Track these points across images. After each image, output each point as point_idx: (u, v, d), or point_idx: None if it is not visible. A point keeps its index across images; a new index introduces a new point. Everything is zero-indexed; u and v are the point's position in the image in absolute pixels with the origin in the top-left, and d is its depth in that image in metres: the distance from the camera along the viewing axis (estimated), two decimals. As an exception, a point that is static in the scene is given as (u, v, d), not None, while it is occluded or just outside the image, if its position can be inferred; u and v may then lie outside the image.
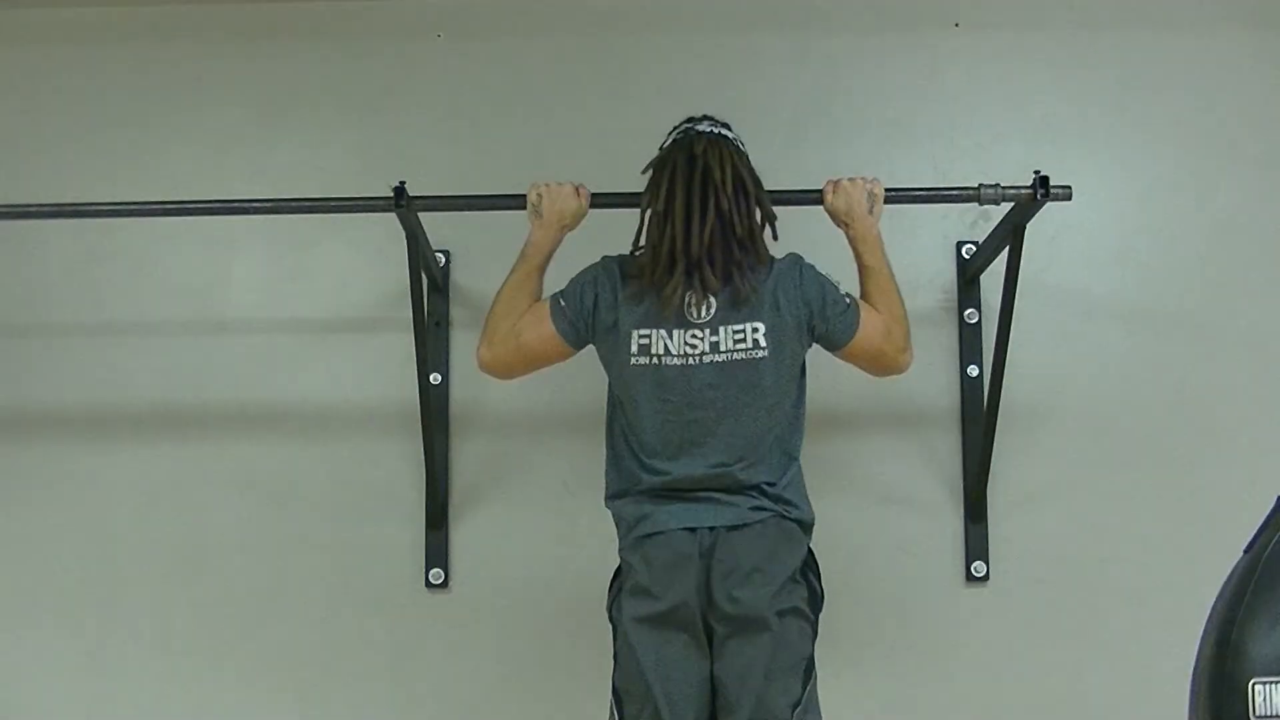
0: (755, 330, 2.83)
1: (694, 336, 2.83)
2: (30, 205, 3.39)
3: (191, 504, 3.65)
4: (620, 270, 2.92)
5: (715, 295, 2.83)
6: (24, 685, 3.62)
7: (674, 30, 3.77)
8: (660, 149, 2.93)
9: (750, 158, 2.92)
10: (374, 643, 3.61)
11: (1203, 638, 2.40)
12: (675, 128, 2.95)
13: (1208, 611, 2.42)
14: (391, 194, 3.12)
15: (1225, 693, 2.31)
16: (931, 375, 3.62)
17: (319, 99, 3.76)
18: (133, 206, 3.42)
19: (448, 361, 3.65)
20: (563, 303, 2.94)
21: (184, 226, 3.66)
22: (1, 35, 3.79)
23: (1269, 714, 2.29)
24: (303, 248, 3.71)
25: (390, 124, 3.75)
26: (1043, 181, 3.11)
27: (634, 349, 2.84)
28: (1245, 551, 2.40)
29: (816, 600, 2.92)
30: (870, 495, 3.61)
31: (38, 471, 3.67)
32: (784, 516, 2.86)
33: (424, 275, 3.39)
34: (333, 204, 3.38)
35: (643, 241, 2.92)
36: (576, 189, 3.06)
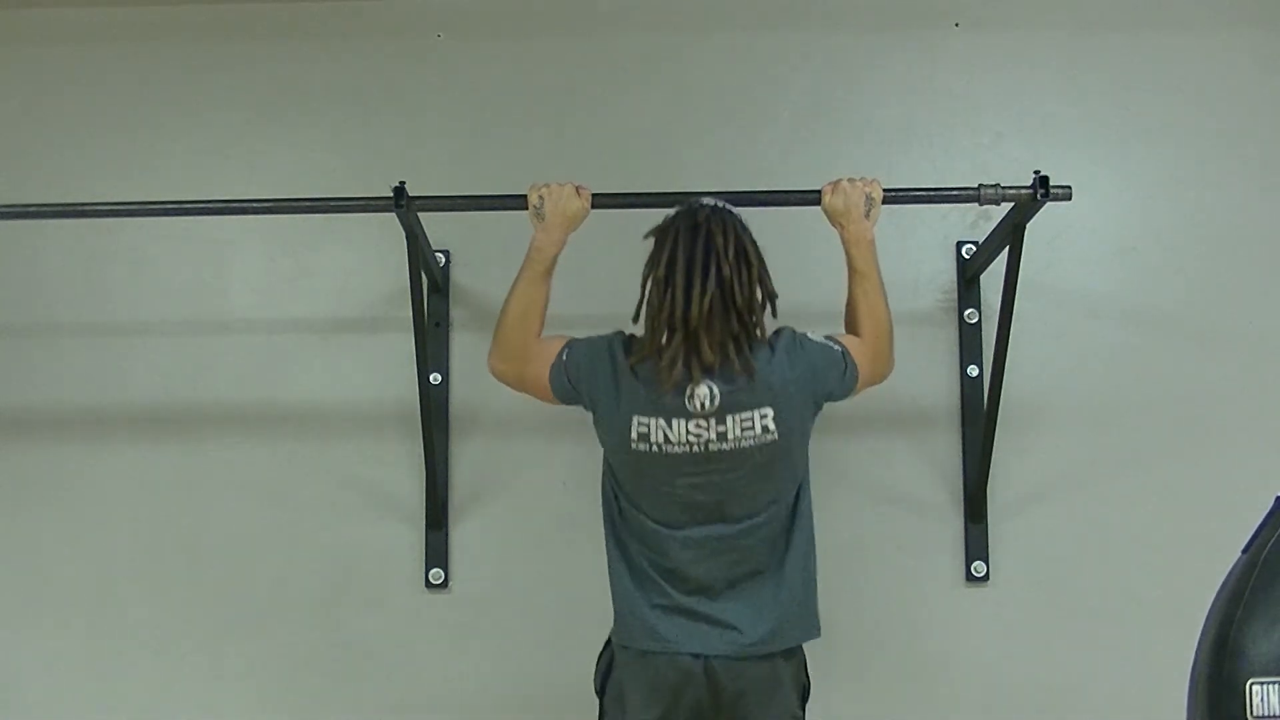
0: (764, 416, 2.78)
1: (698, 425, 2.77)
2: (30, 205, 3.39)
3: (191, 504, 3.65)
4: (625, 350, 2.86)
5: (714, 377, 2.75)
6: (24, 685, 3.62)
7: (674, 30, 3.77)
8: (664, 220, 2.88)
9: (752, 233, 2.86)
10: (374, 643, 3.61)
11: (1201, 638, 2.40)
12: (679, 206, 2.90)
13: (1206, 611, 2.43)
14: (391, 194, 3.11)
15: (1223, 693, 2.31)
16: (931, 375, 3.62)
17: (319, 99, 3.76)
18: (133, 206, 3.43)
19: (448, 361, 3.65)
20: (565, 358, 2.90)
21: (184, 226, 3.66)
22: (1, 35, 3.79)
23: (1266, 714, 2.29)
24: (303, 248, 3.71)
25: (390, 124, 3.75)
26: (1043, 181, 3.11)
27: (634, 435, 2.80)
28: (1243, 552, 2.40)
29: (808, 695, 2.92)
30: (870, 495, 3.61)
31: (38, 471, 3.67)
32: (789, 652, 2.84)
33: (424, 275, 3.39)
34: (333, 204, 3.38)
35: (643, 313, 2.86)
36: (577, 189, 3.03)
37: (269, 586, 3.63)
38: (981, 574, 3.58)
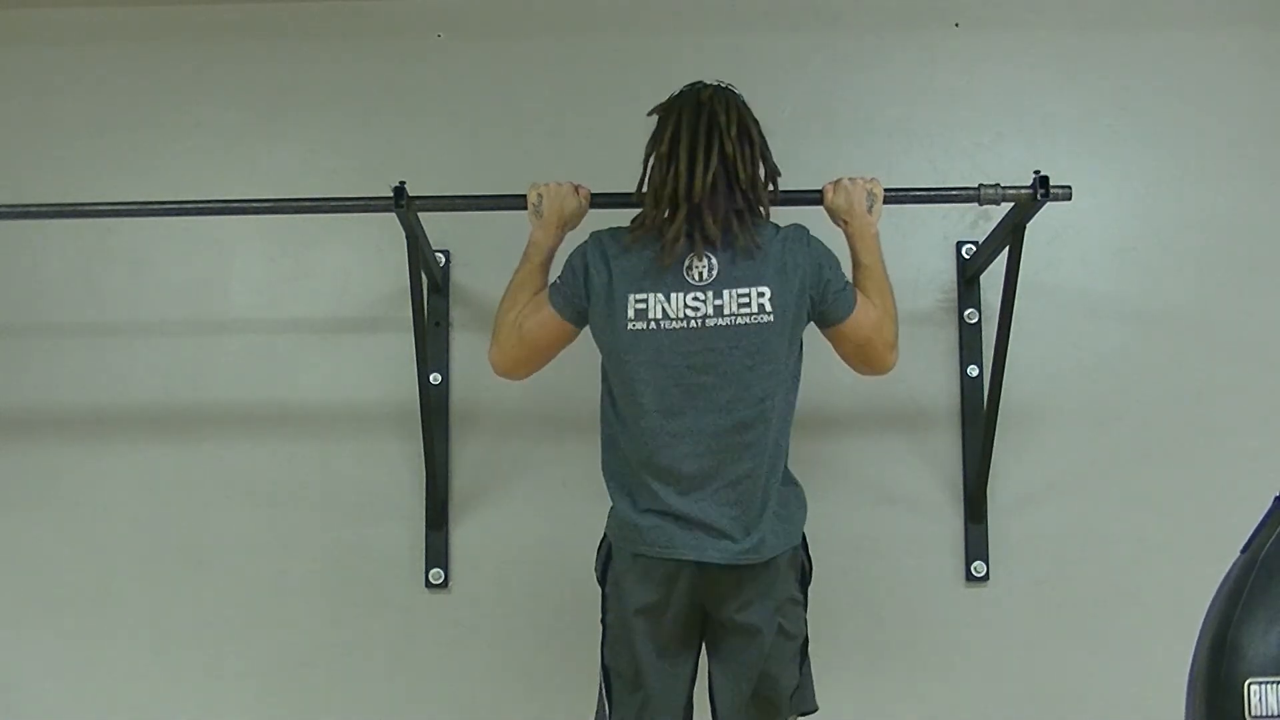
0: (761, 295, 2.79)
1: (695, 299, 2.79)
2: (30, 205, 3.39)
3: (191, 504, 3.65)
4: (611, 237, 2.90)
5: (715, 250, 2.79)
6: (23, 685, 3.62)
7: (674, 30, 3.77)
8: (668, 99, 2.92)
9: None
10: (374, 643, 3.62)
11: (1199, 637, 2.40)
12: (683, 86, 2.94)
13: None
14: (391, 194, 3.12)
15: (1221, 692, 2.31)
16: (931, 375, 3.62)
17: (319, 99, 3.76)
18: (133, 206, 3.42)
19: (448, 361, 3.65)
20: (559, 282, 2.93)
21: (184, 226, 3.67)
22: (1, 35, 3.80)
23: (1265, 714, 2.29)
24: (303, 248, 3.72)
25: (390, 124, 3.75)
26: (1043, 181, 3.11)
27: (630, 314, 2.81)
28: (1242, 551, 2.40)
29: (808, 578, 2.93)
30: (870, 495, 3.61)
31: (37, 472, 3.67)
32: (777, 555, 2.83)
33: (424, 275, 3.39)
34: (333, 204, 3.38)
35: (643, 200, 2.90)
36: (576, 188, 3.06)
37: (269, 586, 3.63)
38: (981, 574, 3.58)
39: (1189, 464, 3.60)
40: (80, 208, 3.41)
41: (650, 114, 2.91)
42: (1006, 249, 3.27)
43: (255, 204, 3.41)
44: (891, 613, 3.59)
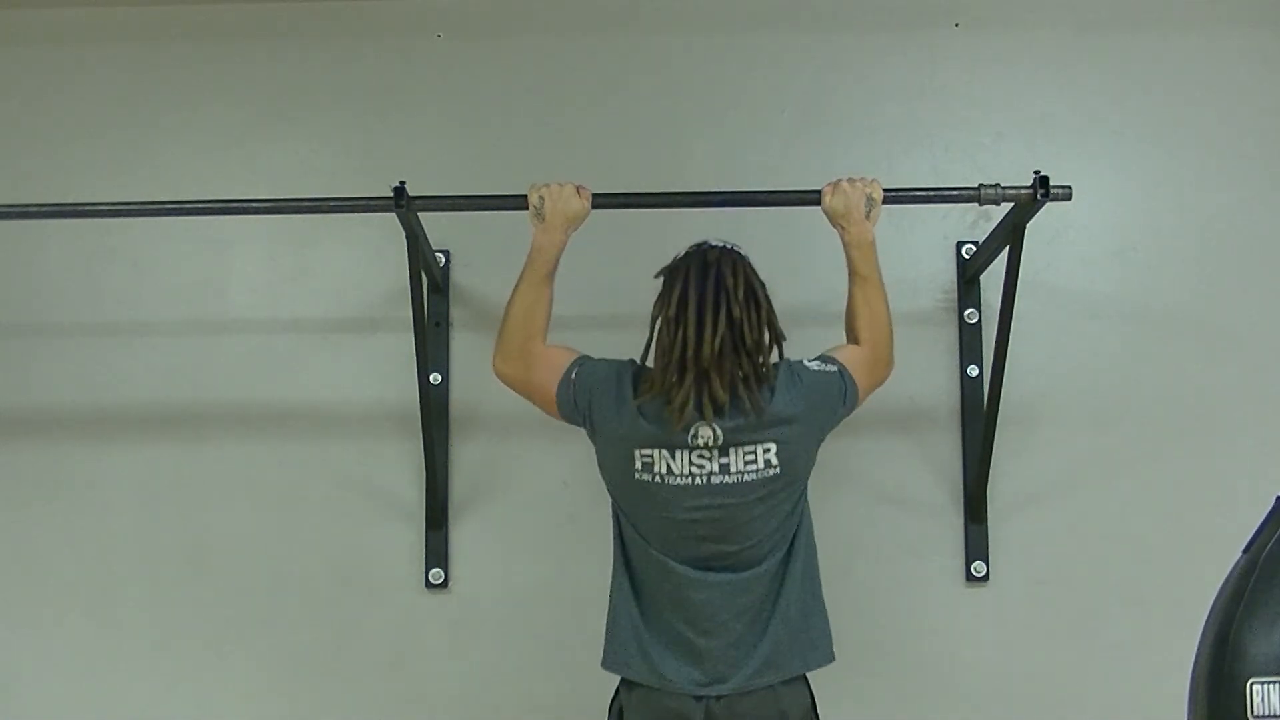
0: (767, 450, 2.79)
1: (700, 457, 2.78)
2: (30, 205, 3.39)
3: (191, 504, 3.65)
4: (634, 381, 2.86)
5: (722, 415, 2.76)
6: (24, 685, 3.62)
7: (674, 30, 3.77)
8: (674, 260, 2.89)
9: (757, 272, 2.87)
10: (374, 643, 3.61)
11: (1201, 637, 2.40)
12: (688, 247, 2.90)
13: (1207, 611, 2.43)
14: (391, 194, 3.12)
15: (1223, 692, 2.31)
16: (931, 375, 3.62)
17: (319, 99, 3.76)
18: (133, 206, 3.42)
19: (448, 361, 3.65)
20: (574, 377, 2.91)
21: (184, 226, 3.67)
22: (1, 35, 3.79)
23: (1267, 714, 2.29)
24: (303, 248, 3.71)
25: (390, 124, 3.75)
26: (1043, 181, 3.11)
27: (638, 465, 2.81)
28: (1244, 551, 2.40)
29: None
30: (870, 495, 3.61)
31: (38, 471, 3.67)
32: (789, 681, 2.83)
33: (424, 275, 3.39)
34: (333, 204, 3.38)
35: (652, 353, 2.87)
36: (577, 189, 3.04)
37: (269, 586, 3.63)
38: (981, 574, 3.58)
39: (1189, 464, 3.60)
40: (80, 208, 3.41)
41: (656, 276, 2.86)
42: (1006, 249, 3.27)
43: (255, 204, 3.41)
44: (891, 613, 3.59)
